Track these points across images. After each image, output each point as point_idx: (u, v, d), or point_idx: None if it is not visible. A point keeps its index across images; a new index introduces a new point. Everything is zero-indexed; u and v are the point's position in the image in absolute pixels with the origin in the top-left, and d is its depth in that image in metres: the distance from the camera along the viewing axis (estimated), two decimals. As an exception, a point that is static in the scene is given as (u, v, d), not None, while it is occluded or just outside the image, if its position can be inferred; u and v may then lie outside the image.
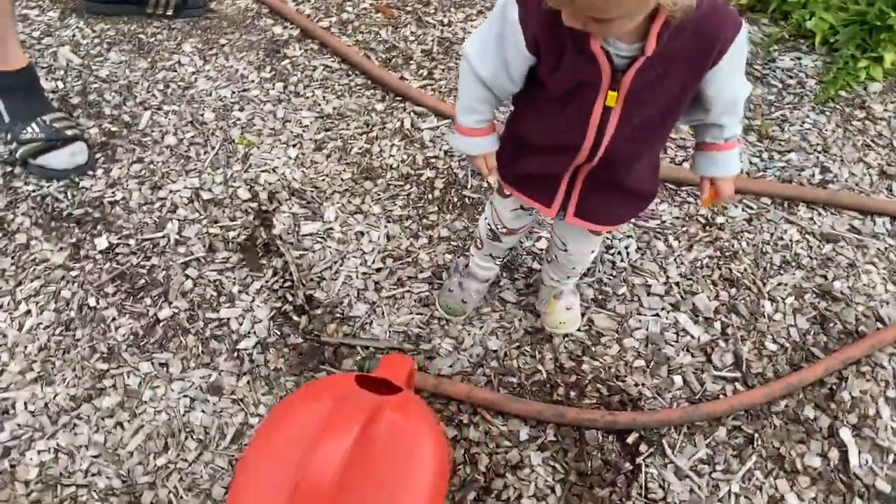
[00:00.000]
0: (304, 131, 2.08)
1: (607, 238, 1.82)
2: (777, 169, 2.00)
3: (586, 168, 1.19)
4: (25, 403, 1.51)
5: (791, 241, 1.83)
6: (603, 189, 1.23)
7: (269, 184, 1.94)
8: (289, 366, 1.59)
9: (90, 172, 1.92)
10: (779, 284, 1.74)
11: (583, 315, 1.67)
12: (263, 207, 1.88)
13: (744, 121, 2.12)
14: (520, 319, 1.68)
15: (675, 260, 1.79)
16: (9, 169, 1.91)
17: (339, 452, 0.87)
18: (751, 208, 1.90)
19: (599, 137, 1.12)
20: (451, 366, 1.60)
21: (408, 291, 1.72)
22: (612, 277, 1.75)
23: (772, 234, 1.84)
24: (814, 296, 1.73)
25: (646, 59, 1.00)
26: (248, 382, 1.56)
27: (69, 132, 1.91)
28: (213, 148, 2.02)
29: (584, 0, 0.86)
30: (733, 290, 1.73)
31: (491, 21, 1.09)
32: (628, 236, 1.83)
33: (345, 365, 1.59)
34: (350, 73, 2.27)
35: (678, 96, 1.08)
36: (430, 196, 1.92)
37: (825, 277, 1.76)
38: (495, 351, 1.62)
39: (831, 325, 1.67)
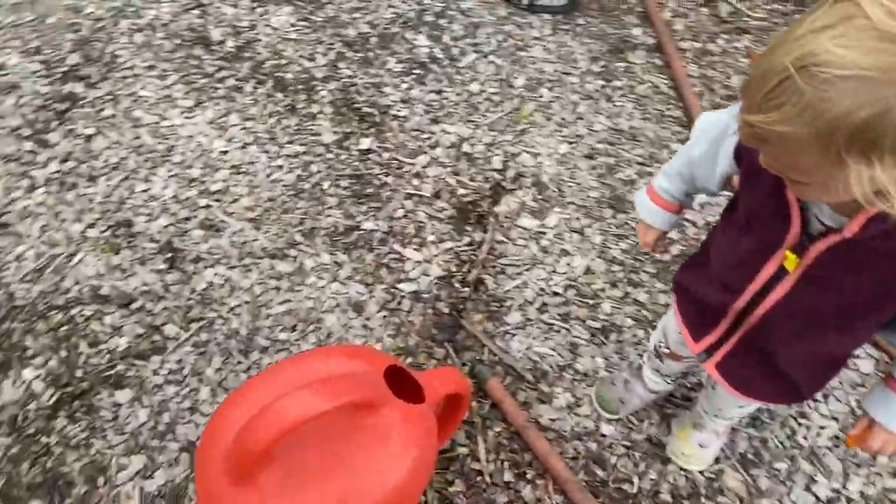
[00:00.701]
0: (588, 134, 2.04)
1: (809, 406, 1.52)
2: None
3: (749, 323, 1.01)
4: (233, 233, 1.79)
5: None
6: (754, 354, 1.05)
7: (524, 166, 1.95)
8: (423, 325, 1.64)
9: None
10: (982, 588, 1.31)
11: (717, 461, 1.45)
12: (504, 184, 1.91)
13: None
14: (650, 423, 1.51)
15: (867, 475, 1.43)
16: (332, 57, 2.19)
17: (309, 410, 0.90)
18: None
19: (762, 295, 0.94)
20: (552, 419, 1.51)
21: (567, 329, 1.65)
22: (779, 446, 1.47)
23: None
24: None
25: (842, 239, 0.80)
26: (384, 317, 1.66)
27: None
28: (502, 111, 2.08)
29: (772, 150, 0.70)
30: (914, 554, 1.35)
31: (732, 108, 0.96)
32: (834, 418, 1.51)
33: (464, 355, 1.60)
34: (671, 102, 2.13)
35: (871, 302, 0.86)
36: (655, 255, 1.78)
37: None
38: (605, 436, 1.49)
39: None
